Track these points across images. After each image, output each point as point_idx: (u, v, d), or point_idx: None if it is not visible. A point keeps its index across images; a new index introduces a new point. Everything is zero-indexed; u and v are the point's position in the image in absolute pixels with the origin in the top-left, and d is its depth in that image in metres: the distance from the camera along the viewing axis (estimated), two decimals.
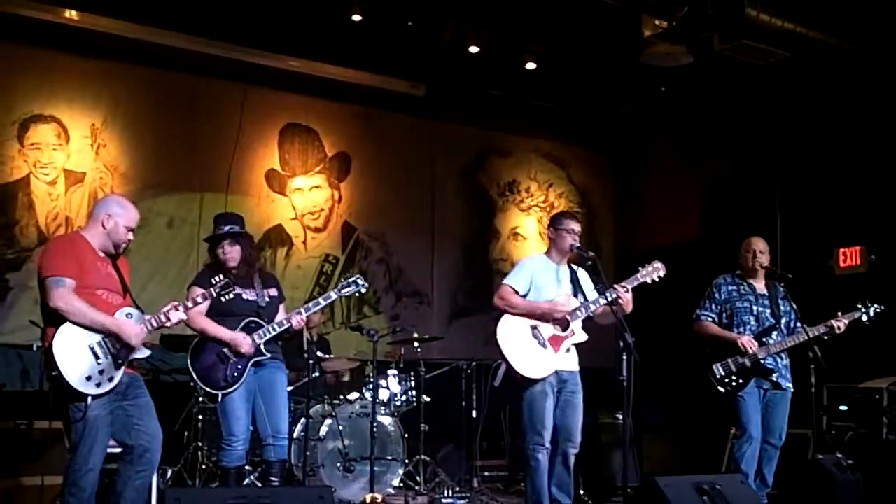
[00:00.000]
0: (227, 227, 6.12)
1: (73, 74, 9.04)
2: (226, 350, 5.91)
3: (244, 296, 6.05)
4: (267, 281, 6.28)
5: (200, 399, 7.35)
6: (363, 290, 6.37)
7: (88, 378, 4.82)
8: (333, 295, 6.25)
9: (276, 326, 6.01)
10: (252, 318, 6.00)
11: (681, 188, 11.03)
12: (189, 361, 5.99)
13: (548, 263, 6.34)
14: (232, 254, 6.07)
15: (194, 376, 5.95)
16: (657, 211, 11.32)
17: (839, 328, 6.56)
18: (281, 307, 6.27)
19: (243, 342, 5.89)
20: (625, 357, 5.86)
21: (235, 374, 5.89)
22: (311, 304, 6.27)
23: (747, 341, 6.57)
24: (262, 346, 5.96)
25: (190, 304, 5.43)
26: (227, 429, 5.92)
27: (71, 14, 8.68)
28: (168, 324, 5.20)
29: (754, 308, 6.73)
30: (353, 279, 6.30)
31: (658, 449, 8.89)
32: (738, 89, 9.74)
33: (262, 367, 6.03)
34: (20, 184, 8.75)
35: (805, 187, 9.58)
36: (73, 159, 9.00)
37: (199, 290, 5.74)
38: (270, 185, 10.02)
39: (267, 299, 6.13)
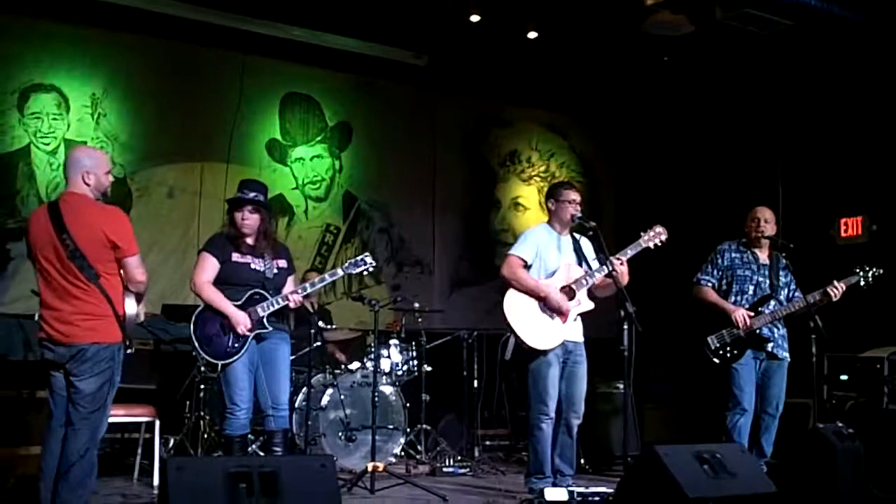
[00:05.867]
0: (251, 194, 6.07)
1: (73, 44, 9.01)
2: (228, 321, 5.89)
3: (252, 265, 5.99)
4: (278, 252, 6.20)
5: (202, 369, 7.37)
6: (371, 270, 6.37)
7: None
8: (340, 272, 6.24)
9: (280, 300, 5.97)
10: (257, 290, 5.96)
11: (683, 156, 10.99)
12: (192, 330, 5.93)
13: (550, 233, 6.33)
14: (250, 221, 6.00)
15: (196, 345, 5.91)
16: (659, 179, 11.29)
17: (835, 294, 6.49)
18: (290, 279, 6.21)
19: (242, 322, 5.84)
20: (626, 327, 5.87)
21: (237, 346, 5.86)
22: (316, 281, 6.22)
23: (741, 317, 6.56)
24: (264, 319, 5.92)
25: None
26: (230, 398, 5.90)
27: None
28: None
29: (755, 277, 6.71)
30: (361, 257, 6.27)
31: (658, 419, 8.91)
32: (741, 59, 9.68)
33: (265, 339, 5.99)
34: (21, 153, 8.74)
35: (807, 157, 9.55)
36: (74, 129, 8.99)
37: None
38: (271, 155, 10.01)
39: (275, 270, 6.07)
